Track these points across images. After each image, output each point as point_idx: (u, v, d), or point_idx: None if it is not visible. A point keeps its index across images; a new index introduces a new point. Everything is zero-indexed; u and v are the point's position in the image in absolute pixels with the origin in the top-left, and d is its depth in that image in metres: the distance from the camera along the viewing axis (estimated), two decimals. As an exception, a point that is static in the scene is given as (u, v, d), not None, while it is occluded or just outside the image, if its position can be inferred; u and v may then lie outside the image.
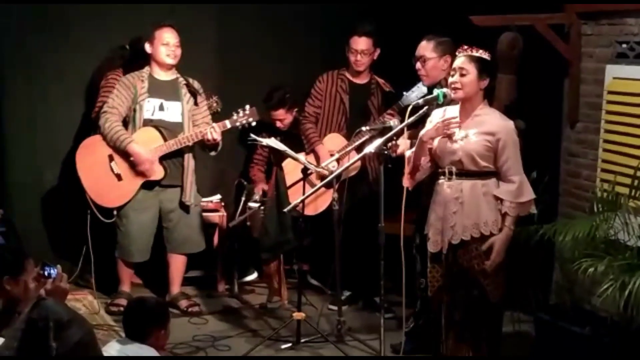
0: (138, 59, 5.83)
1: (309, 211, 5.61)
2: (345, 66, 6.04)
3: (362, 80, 6.04)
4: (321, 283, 6.40)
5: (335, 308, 5.58)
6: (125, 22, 6.18)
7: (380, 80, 6.05)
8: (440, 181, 4.36)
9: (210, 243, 6.27)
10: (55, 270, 3.52)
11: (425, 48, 5.09)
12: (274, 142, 5.37)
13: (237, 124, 5.70)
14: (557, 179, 5.79)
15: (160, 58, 5.67)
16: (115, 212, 5.72)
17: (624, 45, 5.25)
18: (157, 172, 5.66)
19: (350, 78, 6.03)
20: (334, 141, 5.94)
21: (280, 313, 5.82)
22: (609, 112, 5.34)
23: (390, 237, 4.63)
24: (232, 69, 6.56)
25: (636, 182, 4.89)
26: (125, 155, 5.62)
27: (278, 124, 6.27)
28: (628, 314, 4.55)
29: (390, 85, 6.06)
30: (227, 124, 5.69)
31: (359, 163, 5.53)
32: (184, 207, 5.78)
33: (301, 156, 5.47)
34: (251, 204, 6.01)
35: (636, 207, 4.89)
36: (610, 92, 5.32)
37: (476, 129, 4.26)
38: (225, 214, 6.31)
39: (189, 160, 5.74)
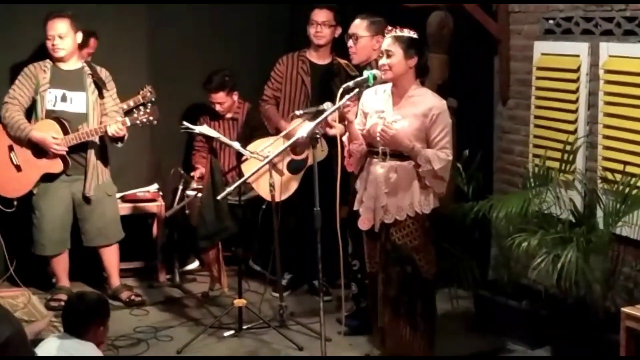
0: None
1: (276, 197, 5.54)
2: (306, 46, 5.97)
3: (323, 60, 5.94)
4: (264, 268, 6.38)
5: (276, 294, 5.59)
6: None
7: (343, 62, 5.84)
8: (375, 161, 4.37)
9: (149, 233, 6.24)
10: None
11: (359, 26, 5.12)
12: (206, 129, 5.33)
13: (137, 122, 5.58)
14: (490, 155, 5.85)
15: (49, 51, 5.55)
16: (15, 202, 5.64)
17: (551, 22, 5.32)
18: (56, 165, 5.59)
19: (311, 59, 5.94)
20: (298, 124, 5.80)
21: (222, 301, 5.80)
22: (538, 88, 5.41)
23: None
24: (166, 58, 6.49)
25: (565, 156, 4.99)
26: (26, 145, 5.56)
27: (218, 107, 6.20)
28: (562, 286, 4.64)
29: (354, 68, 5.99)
30: (127, 121, 5.56)
31: (326, 147, 5.48)
32: (87, 199, 5.71)
33: (235, 143, 5.42)
34: (189, 192, 5.97)
35: (566, 181, 4.98)
36: (538, 68, 5.38)
37: (411, 111, 4.28)
38: (163, 203, 6.26)
39: (91, 152, 5.63)
